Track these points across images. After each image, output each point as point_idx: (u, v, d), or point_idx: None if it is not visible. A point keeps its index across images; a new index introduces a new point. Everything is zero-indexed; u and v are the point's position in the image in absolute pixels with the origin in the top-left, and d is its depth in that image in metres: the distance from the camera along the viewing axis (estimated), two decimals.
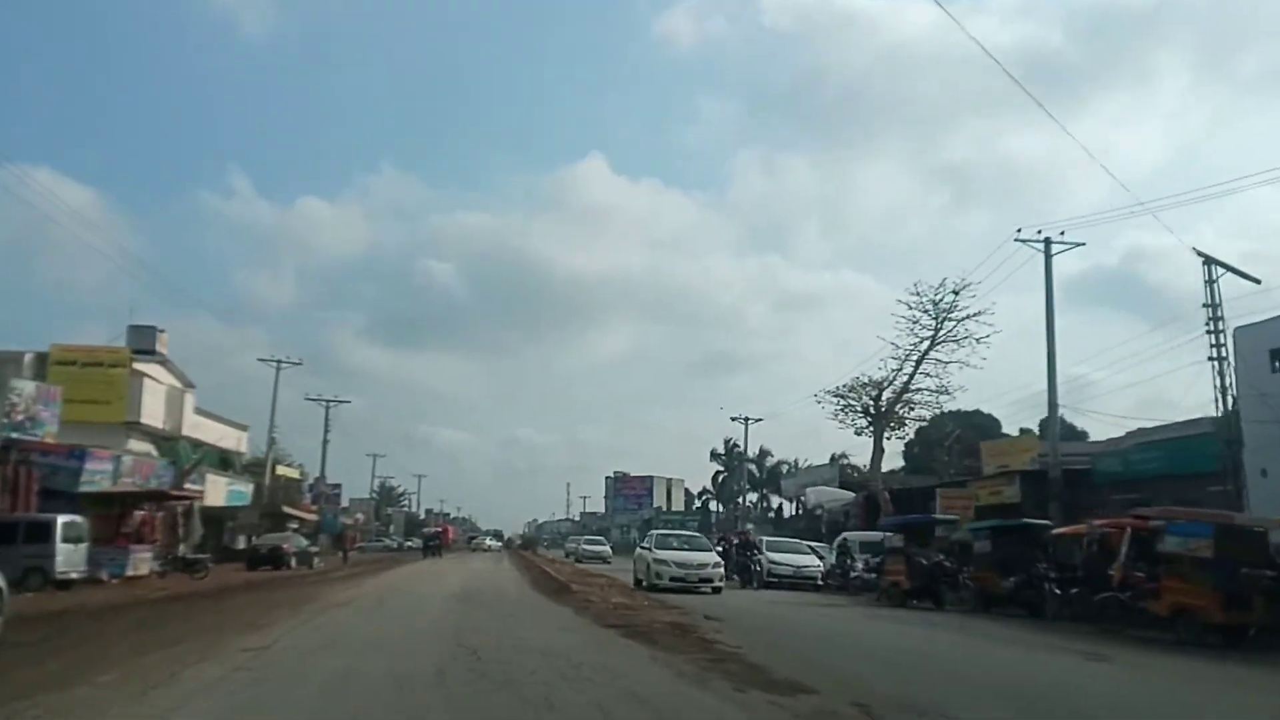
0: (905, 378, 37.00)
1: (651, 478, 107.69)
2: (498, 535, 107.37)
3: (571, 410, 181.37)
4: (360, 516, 73.68)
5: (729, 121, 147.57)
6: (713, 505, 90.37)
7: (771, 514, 71.47)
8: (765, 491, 75.91)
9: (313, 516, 48.03)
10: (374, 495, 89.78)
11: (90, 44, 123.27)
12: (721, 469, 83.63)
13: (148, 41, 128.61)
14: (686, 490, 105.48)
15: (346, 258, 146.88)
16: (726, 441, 76.40)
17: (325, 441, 55.51)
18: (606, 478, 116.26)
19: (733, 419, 59.03)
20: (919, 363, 36.15)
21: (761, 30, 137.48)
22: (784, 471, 71.93)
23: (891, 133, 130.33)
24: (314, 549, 37.20)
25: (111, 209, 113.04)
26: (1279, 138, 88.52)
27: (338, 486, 72.52)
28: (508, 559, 49.77)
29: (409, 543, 72.46)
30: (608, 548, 55.50)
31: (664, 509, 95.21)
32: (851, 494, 43.20)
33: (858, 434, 40.95)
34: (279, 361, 48.00)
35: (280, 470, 48.55)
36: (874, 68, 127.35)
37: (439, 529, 64.57)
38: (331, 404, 55.46)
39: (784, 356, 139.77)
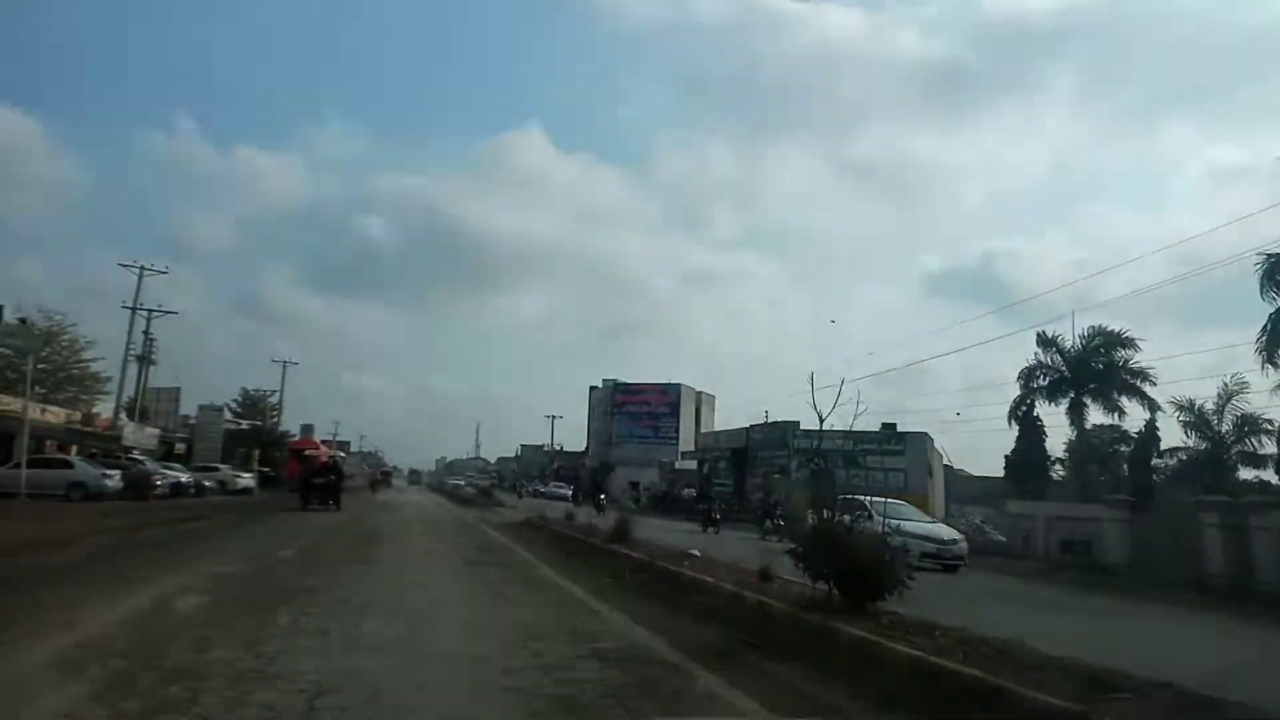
0: None
1: (678, 386, 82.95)
2: (415, 475, 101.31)
3: (486, 365, 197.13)
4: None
5: (662, 102, 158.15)
6: None
7: None
8: None
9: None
10: (237, 404, 73.01)
11: None
12: None
13: None
14: None
15: (286, 207, 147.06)
16: None
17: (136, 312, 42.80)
18: (593, 388, 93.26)
19: None
20: None
21: (702, 17, 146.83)
22: None
23: (809, 126, 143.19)
24: None
25: (54, 140, 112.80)
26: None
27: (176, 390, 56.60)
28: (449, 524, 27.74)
29: (241, 476, 42.24)
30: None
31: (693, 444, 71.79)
32: None
33: None
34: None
35: None
36: (801, 64, 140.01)
37: (316, 453, 39.92)
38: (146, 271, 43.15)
39: (680, 328, 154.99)
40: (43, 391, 49.20)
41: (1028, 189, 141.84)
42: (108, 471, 28.45)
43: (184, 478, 33.96)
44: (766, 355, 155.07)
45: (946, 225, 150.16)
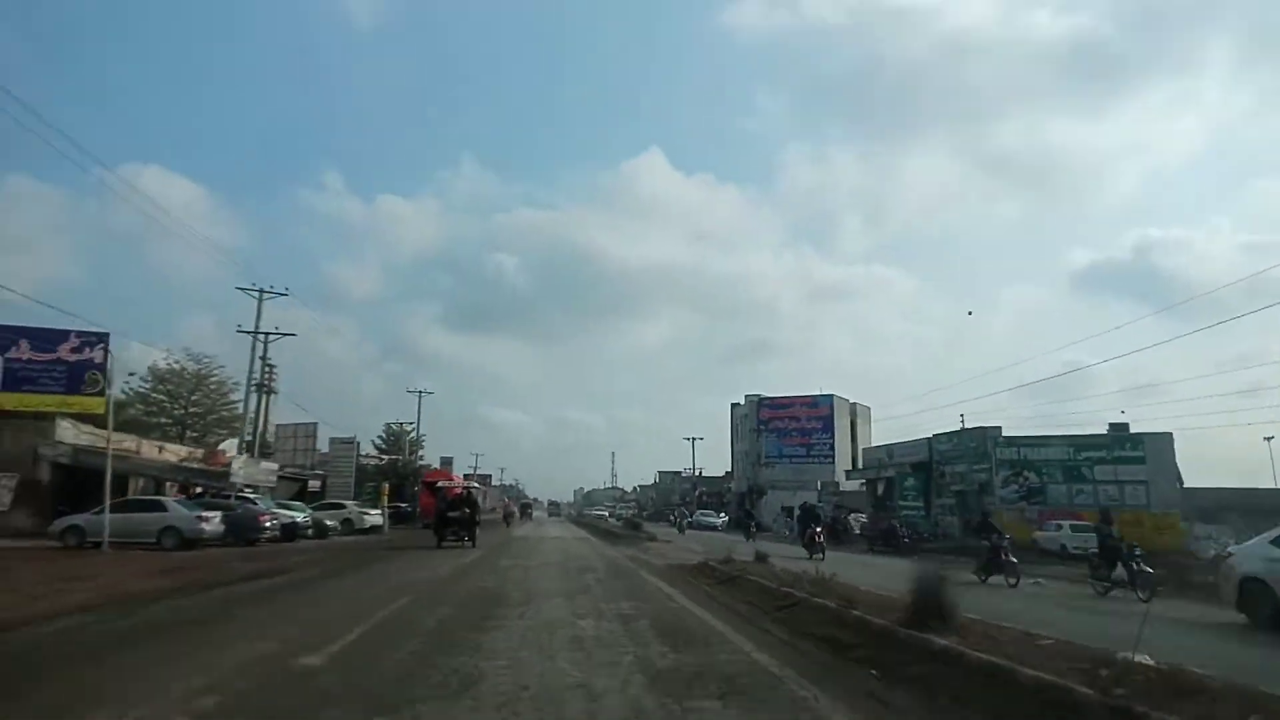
0: None
1: (830, 398, 74.93)
2: (555, 506, 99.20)
3: (619, 391, 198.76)
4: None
5: (782, 112, 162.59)
6: None
7: None
8: None
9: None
10: (381, 439, 71.68)
11: (210, 48, 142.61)
12: None
13: (266, 37, 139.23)
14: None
15: (425, 250, 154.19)
16: None
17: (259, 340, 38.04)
18: (734, 405, 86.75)
19: None
20: None
21: (820, 21, 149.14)
22: None
23: (940, 123, 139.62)
24: None
25: (217, 204, 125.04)
26: None
27: (312, 426, 55.50)
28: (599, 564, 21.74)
29: (368, 513, 37.79)
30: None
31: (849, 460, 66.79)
32: None
33: None
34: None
35: None
36: (928, 59, 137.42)
37: (450, 484, 36.03)
38: (267, 295, 38.44)
39: (810, 345, 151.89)
40: (195, 435, 47.83)
41: (1185, 170, 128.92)
42: (206, 514, 24.39)
43: (300, 517, 29.91)
44: (904, 367, 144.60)
45: (1095, 216, 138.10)
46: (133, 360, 52.41)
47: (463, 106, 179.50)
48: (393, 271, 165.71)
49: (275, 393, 38.46)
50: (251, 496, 29.51)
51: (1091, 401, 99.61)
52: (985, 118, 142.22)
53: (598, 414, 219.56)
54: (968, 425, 42.90)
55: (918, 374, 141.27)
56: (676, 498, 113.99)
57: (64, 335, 30.42)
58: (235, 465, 29.35)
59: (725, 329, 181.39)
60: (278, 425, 62.00)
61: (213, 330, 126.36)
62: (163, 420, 49.97)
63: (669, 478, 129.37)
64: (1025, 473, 37.94)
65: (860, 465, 53.86)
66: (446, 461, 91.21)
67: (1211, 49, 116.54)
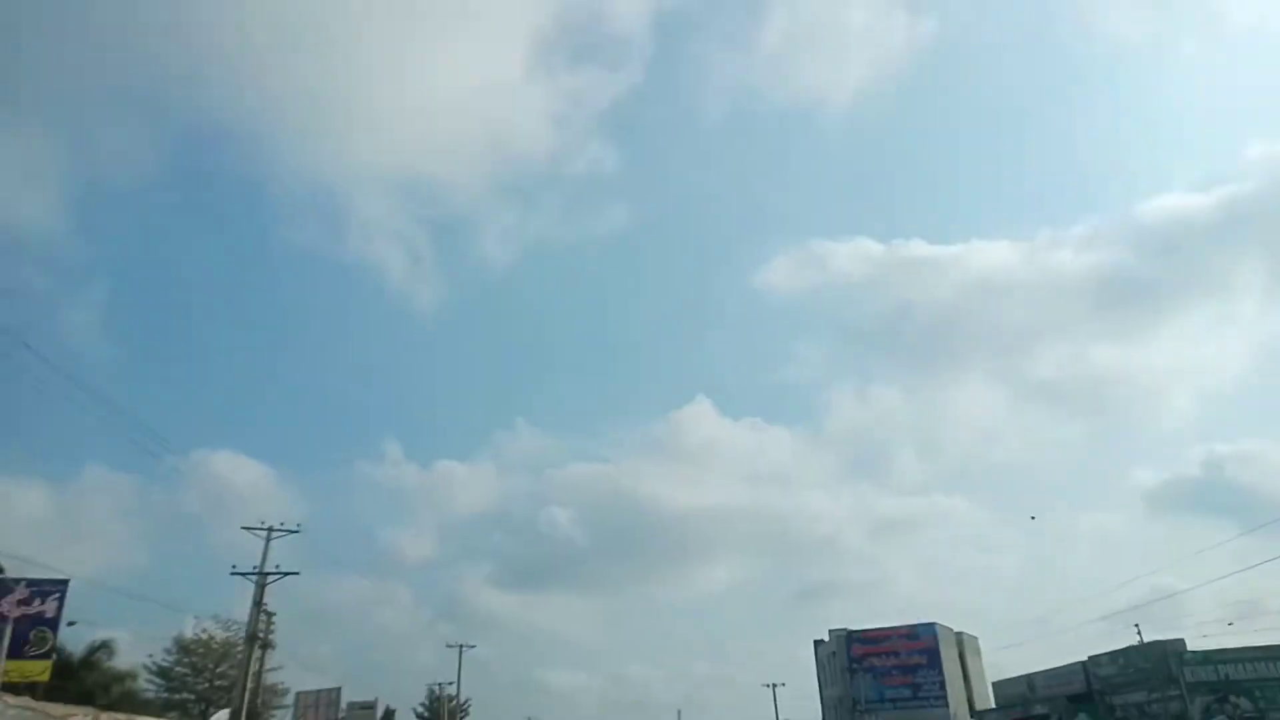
0: None
1: (932, 627, 64.73)
2: None
3: (675, 644, 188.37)
4: None
5: (822, 357, 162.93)
6: None
7: None
8: None
9: None
10: (423, 707, 64.53)
11: (276, 333, 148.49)
12: None
13: (327, 322, 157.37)
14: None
15: (479, 511, 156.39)
16: None
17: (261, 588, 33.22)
18: (818, 643, 76.44)
19: None
20: None
21: (847, 277, 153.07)
22: None
23: (978, 356, 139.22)
24: None
25: (282, 480, 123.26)
26: None
27: (336, 692, 48.32)
28: None
29: None
30: None
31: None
32: None
33: None
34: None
35: None
36: (958, 300, 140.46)
37: None
38: (275, 533, 33.53)
39: (878, 582, 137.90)
40: (223, 707, 41.38)
41: (1238, 385, 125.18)
42: None
43: None
44: (979, 600, 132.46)
45: (1155, 435, 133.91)
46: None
47: (516, 373, 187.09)
48: (447, 533, 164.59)
49: (272, 646, 31.71)
50: None
51: (1186, 627, 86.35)
52: (1023, 350, 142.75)
53: (661, 668, 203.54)
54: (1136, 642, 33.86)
55: (994, 607, 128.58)
56: None
57: (10, 586, 25.00)
58: None
59: (788, 570, 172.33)
60: (299, 693, 54.81)
61: (274, 605, 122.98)
62: (185, 696, 46.31)
63: None
64: (1233, 698, 28.77)
65: (993, 704, 43.51)
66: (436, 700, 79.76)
67: (1243, 272, 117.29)
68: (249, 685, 29.76)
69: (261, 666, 31.10)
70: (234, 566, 31.14)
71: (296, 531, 33.35)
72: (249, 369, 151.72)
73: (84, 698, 29.30)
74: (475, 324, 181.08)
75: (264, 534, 32.46)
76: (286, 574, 31.43)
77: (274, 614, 31.56)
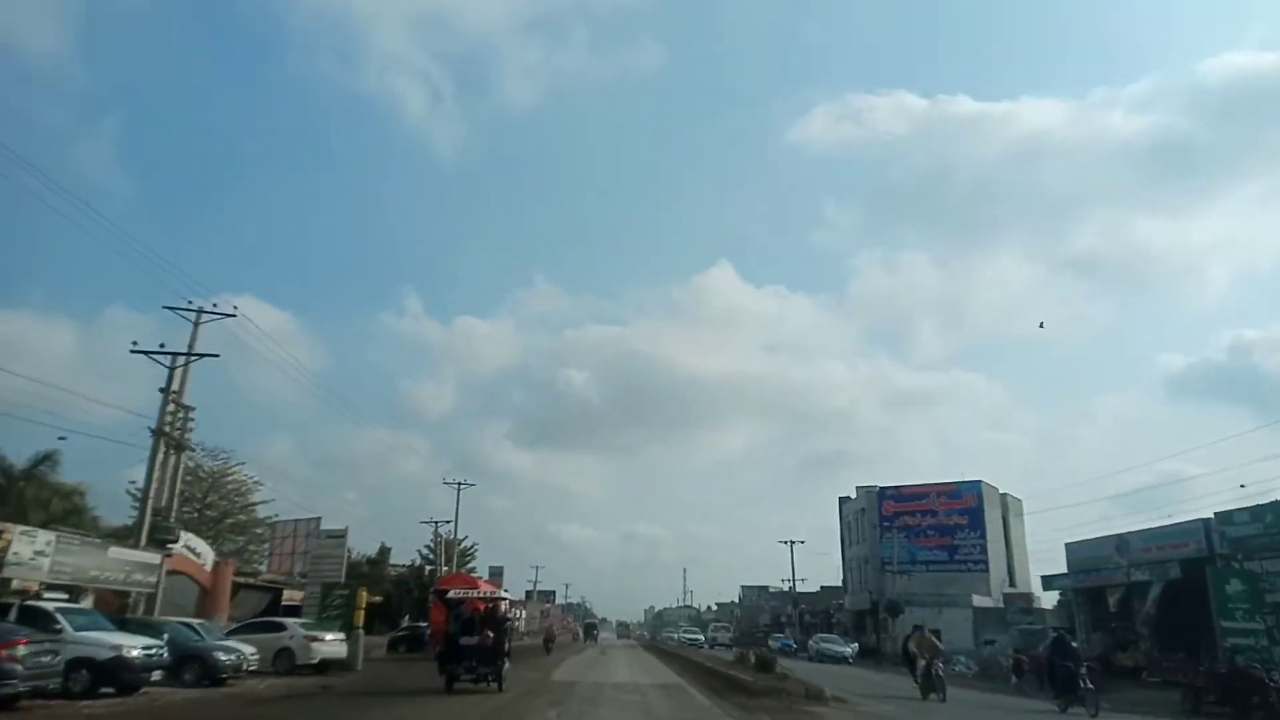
0: None
1: (977, 485, 58.27)
2: (624, 627, 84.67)
3: (686, 506, 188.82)
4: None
5: (853, 222, 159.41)
6: None
7: None
8: None
9: None
10: (426, 551, 60.23)
11: (293, 173, 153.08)
12: None
13: (346, 163, 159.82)
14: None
15: (499, 367, 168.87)
16: None
17: None
18: (843, 499, 70.22)
19: None
20: None
21: (887, 131, 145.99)
22: None
23: (1017, 226, 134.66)
24: None
25: (303, 328, 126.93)
26: None
27: (316, 521, 42.60)
28: None
29: (321, 639, 23.27)
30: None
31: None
32: None
33: None
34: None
35: None
36: (1000, 163, 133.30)
37: (466, 593, 21.46)
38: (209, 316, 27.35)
39: (889, 454, 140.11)
40: (207, 540, 36.20)
41: (1277, 266, 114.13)
42: None
43: (138, 650, 15.62)
44: (992, 476, 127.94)
45: (1187, 317, 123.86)
46: None
47: (536, 225, 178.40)
48: (466, 388, 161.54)
49: (187, 449, 25.07)
50: (48, 607, 15.61)
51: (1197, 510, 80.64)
52: (1064, 219, 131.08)
53: (670, 529, 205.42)
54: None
55: (1002, 487, 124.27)
56: (766, 617, 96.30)
57: None
58: (19, 547, 15.58)
59: (801, 439, 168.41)
60: (277, 522, 49.76)
61: (290, 449, 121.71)
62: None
63: (753, 593, 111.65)
64: None
65: (1067, 568, 37.21)
66: (496, 572, 76.50)
67: None
68: (155, 490, 23.14)
69: (178, 471, 24.46)
70: (134, 343, 23.97)
71: (233, 315, 26.22)
72: (267, 210, 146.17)
73: (18, 515, 23.15)
74: (495, 170, 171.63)
75: (190, 315, 25.31)
76: (202, 355, 24.33)
77: (192, 408, 24.73)
